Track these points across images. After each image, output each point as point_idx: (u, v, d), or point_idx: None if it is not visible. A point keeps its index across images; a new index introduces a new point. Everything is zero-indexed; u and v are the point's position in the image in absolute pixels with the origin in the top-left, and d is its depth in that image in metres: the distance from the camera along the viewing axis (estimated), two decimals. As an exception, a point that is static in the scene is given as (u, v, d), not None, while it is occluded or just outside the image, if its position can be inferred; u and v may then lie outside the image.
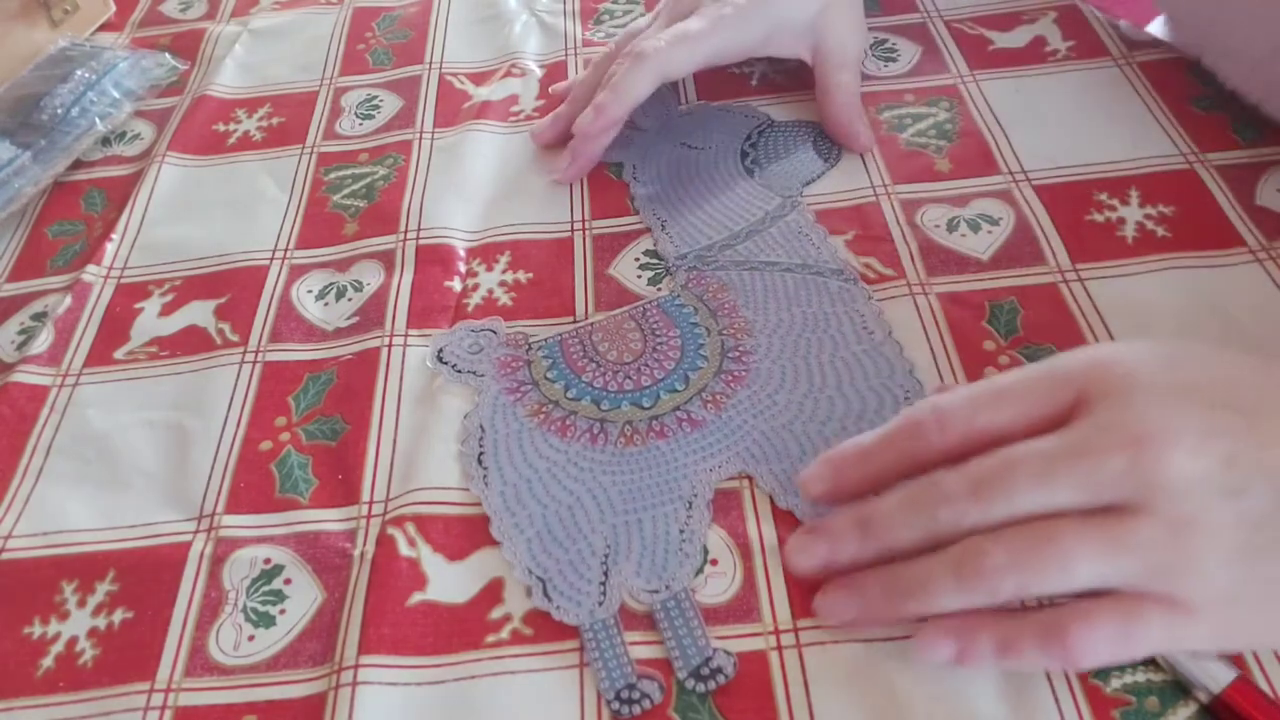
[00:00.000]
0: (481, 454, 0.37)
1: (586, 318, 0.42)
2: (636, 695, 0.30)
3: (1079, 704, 0.29)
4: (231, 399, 0.40)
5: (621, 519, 0.35)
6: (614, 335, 0.40)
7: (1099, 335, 0.38)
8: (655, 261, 0.44)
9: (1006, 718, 0.29)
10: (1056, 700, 0.29)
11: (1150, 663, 0.29)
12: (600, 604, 0.32)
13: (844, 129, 0.47)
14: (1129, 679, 0.29)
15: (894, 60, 0.53)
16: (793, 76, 0.52)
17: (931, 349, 0.39)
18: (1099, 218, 0.43)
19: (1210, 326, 0.38)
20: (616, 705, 0.30)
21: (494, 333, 0.41)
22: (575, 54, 0.56)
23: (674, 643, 0.31)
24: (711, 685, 0.30)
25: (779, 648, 0.31)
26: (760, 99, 0.51)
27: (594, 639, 0.32)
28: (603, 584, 0.33)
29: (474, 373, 0.40)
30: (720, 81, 0.53)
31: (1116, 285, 0.40)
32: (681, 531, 0.34)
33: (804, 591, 0.32)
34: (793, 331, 0.39)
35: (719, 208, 0.45)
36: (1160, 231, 0.42)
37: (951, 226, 0.43)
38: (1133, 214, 0.43)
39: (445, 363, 0.40)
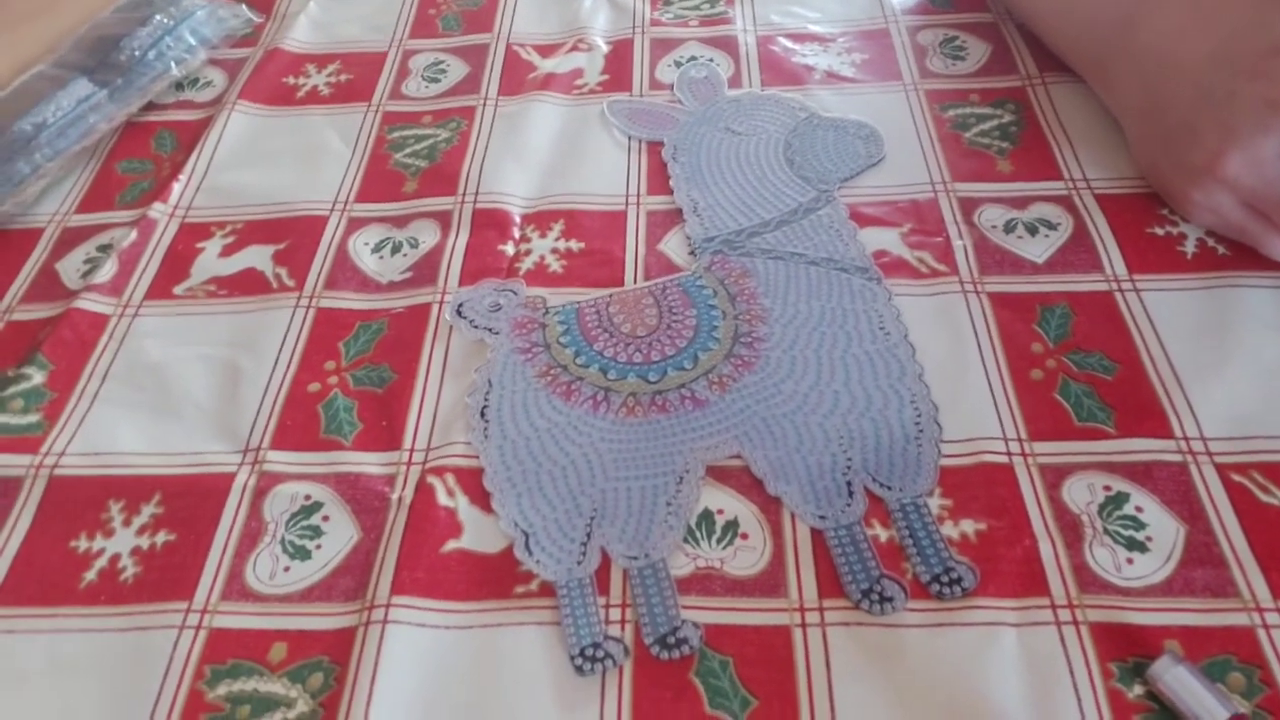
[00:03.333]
0: (485, 408, 0.38)
1: (635, 290, 0.42)
2: (600, 654, 0.31)
3: (1100, 707, 0.29)
4: (284, 341, 0.41)
5: (612, 485, 0.35)
6: (631, 309, 0.41)
7: (1151, 347, 0.38)
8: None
9: (1028, 713, 0.29)
10: (1079, 701, 0.29)
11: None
12: (579, 563, 0.33)
13: None
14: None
15: (962, 59, 0.52)
16: (860, 69, 0.52)
17: (979, 346, 0.38)
18: (1159, 231, 0.42)
19: (1268, 347, 0.37)
20: (580, 662, 0.31)
21: (514, 293, 0.42)
22: (643, 33, 0.56)
23: (644, 609, 0.32)
24: (676, 654, 0.31)
25: (803, 625, 0.31)
26: (823, 89, 0.51)
27: (568, 596, 0.32)
28: (584, 544, 0.34)
29: (490, 329, 0.40)
30: (785, 70, 0.53)
31: (1173, 299, 0.39)
32: (669, 504, 0.34)
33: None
34: (809, 323, 0.39)
35: (753, 195, 0.45)
36: (1221, 250, 0.41)
37: (1009, 228, 0.43)
38: (1194, 230, 0.42)
39: (464, 317, 0.41)
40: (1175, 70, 0.41)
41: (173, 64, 0.55)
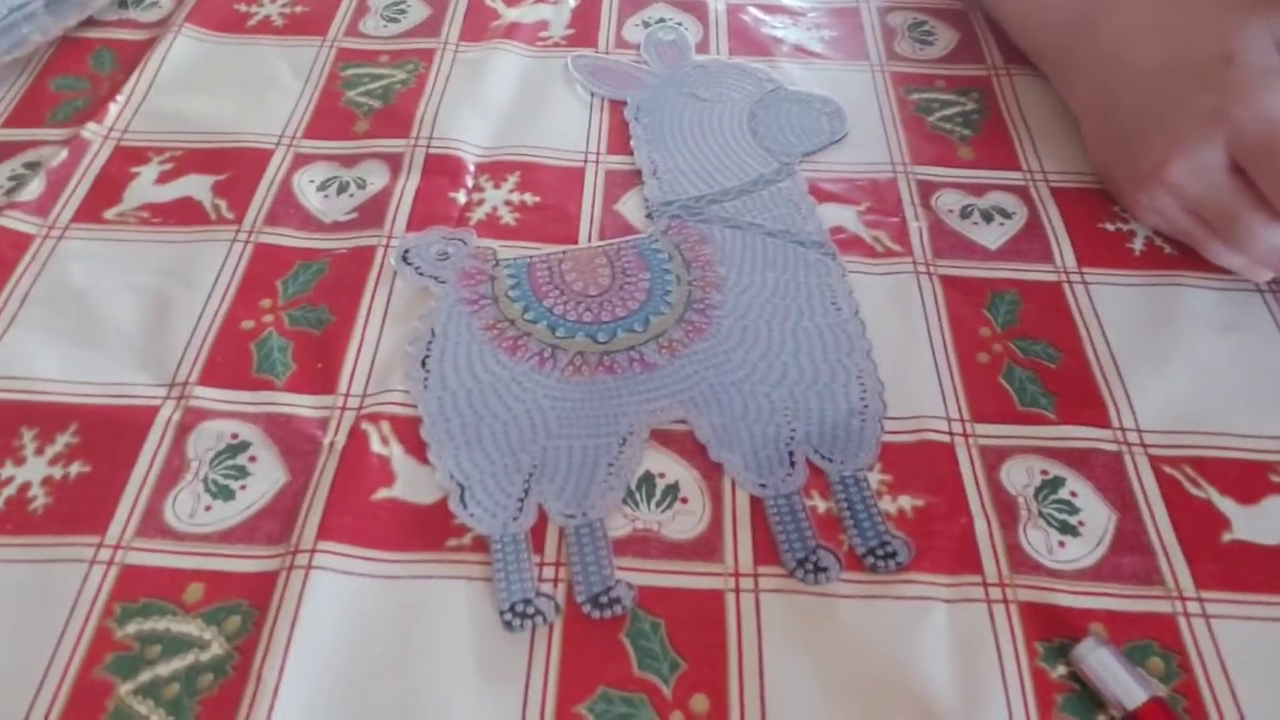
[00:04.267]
0: (427, 357, 0.37)
1: (589, 248, 0.41)
2: (531, 611, 0.30)
3: (1024, 684, 0.29)
4: (219, 274, 0.39)
5: (554, 442, 0.34)
6: (583, 267, 0.40)
7: (1095, 339, 0.38)
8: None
9: (954, 687, 0.29)
10: (1004, 677, 0.29)
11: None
12: (515, 519, 0.32)
13: None
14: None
15: (930, 44, 0.52)
16: (828, 46, 0.52)
17: (928, 327, 0.38)
18: (1110, 227, 0.43)
19: (1207, 347, 0.38)
20: (509, 617, 0.30)
21: (463, 242, 0.41)
22: (612, -10, 0.55)
23: (579, 568, 0.31)
24: (608, 614, 0.30)
25: (737, 590, 0.31)
26: (790, 62, 0.51)
27: (501, 551, 0.32)
28: (521, 500, 0.33)
29: (436, 278, 0.39)
30: (753, 41, 0.52)
31: (1119, 293, 0.40)
32: (610, 465, 0.34)
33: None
34: (762, 294, 0.39)
35: (715, 162, 0.45)
36: (1168, 249, 0.42)
37: (965, 213, 0.43)
38: (1143, 228, 0.43)
39: (409, 264, 0.40)
40: (1129, 74, 0.41)
41: (117, -20, 0.53)
